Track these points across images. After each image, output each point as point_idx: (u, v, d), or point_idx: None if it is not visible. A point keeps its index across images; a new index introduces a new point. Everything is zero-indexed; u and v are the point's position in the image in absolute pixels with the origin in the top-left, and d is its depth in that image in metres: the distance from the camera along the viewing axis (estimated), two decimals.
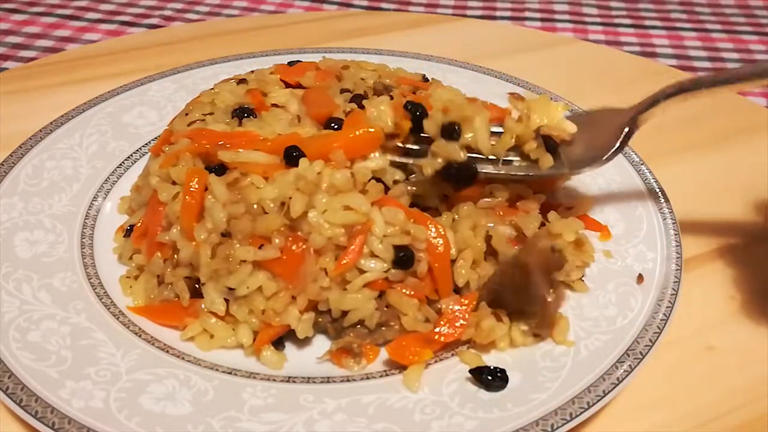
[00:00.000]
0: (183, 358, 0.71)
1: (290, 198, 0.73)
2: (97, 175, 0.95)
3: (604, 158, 0.80)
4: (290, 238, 0.73)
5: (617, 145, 0.79)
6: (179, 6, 1.68)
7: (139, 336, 0.73)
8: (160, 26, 1.57)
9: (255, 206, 0.74)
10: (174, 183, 0.80)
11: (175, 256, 0.77)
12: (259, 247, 0.73)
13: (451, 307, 0.75)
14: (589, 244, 0.81)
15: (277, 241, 0.73)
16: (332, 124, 0.84)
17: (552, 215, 0.81)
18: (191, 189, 0.76)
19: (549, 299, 0.72)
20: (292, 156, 0.77)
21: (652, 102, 0.78)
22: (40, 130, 1.01)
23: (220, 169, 0.78)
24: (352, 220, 0.74)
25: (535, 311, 0.73)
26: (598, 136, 0.81)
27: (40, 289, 0.77)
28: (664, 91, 0.78)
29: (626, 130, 0.79)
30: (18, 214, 0.87)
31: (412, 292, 0.75)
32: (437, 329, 0.73)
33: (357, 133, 0.80)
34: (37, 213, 0.88)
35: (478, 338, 0.73)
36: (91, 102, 1.08)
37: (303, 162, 0.76)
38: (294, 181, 0.74)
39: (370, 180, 0.78)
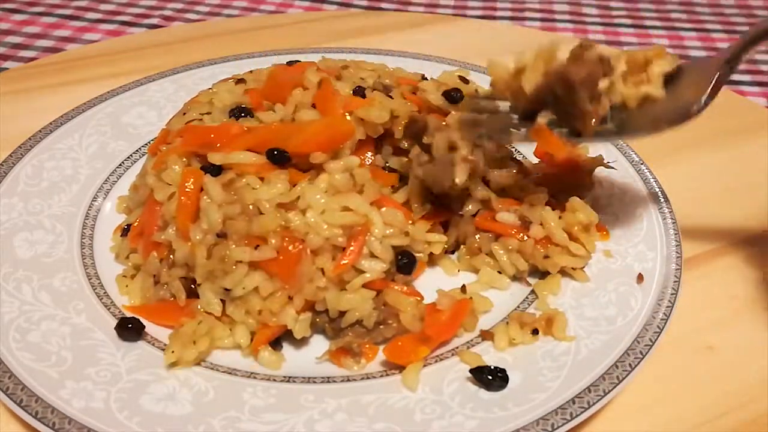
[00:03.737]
0: None
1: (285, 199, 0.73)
2: (97, 175, 0.95)
3: (694, 110, 0.70)
4: (286, 239, 0.73)
5: (708, 92, 0.69)
6: (179, 6, 1.68)
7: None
8: (160, 26, 1.57)
9: (251, 207, 0.74)
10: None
11: (171, 256, 0.77)
12: (255, 248, 0.72)
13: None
14: (594, 232, 0.83)
15: (273, 241, 0.72)
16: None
17: (574, 199, 0.83)
18: (186, 189, 0.76)
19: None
20: (275, 157, 0.77)
21: (750, 41, 0.68)
22: (40, 130, 1.01)
23: (216, 169, 0.78)
24: (351, 221, 0.74)
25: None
26: (686, 89, 0.71)
27: (41, 290, 0.77)
28: (759, 26, 0.67)
29: (717, 75, 0.68)
30: (18, 214, 0.87)
31: (410, 290, 0.76)
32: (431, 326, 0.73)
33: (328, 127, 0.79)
34: (37, 213, 0.88)
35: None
36: (91, 102, 1.08)
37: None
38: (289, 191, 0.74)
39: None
